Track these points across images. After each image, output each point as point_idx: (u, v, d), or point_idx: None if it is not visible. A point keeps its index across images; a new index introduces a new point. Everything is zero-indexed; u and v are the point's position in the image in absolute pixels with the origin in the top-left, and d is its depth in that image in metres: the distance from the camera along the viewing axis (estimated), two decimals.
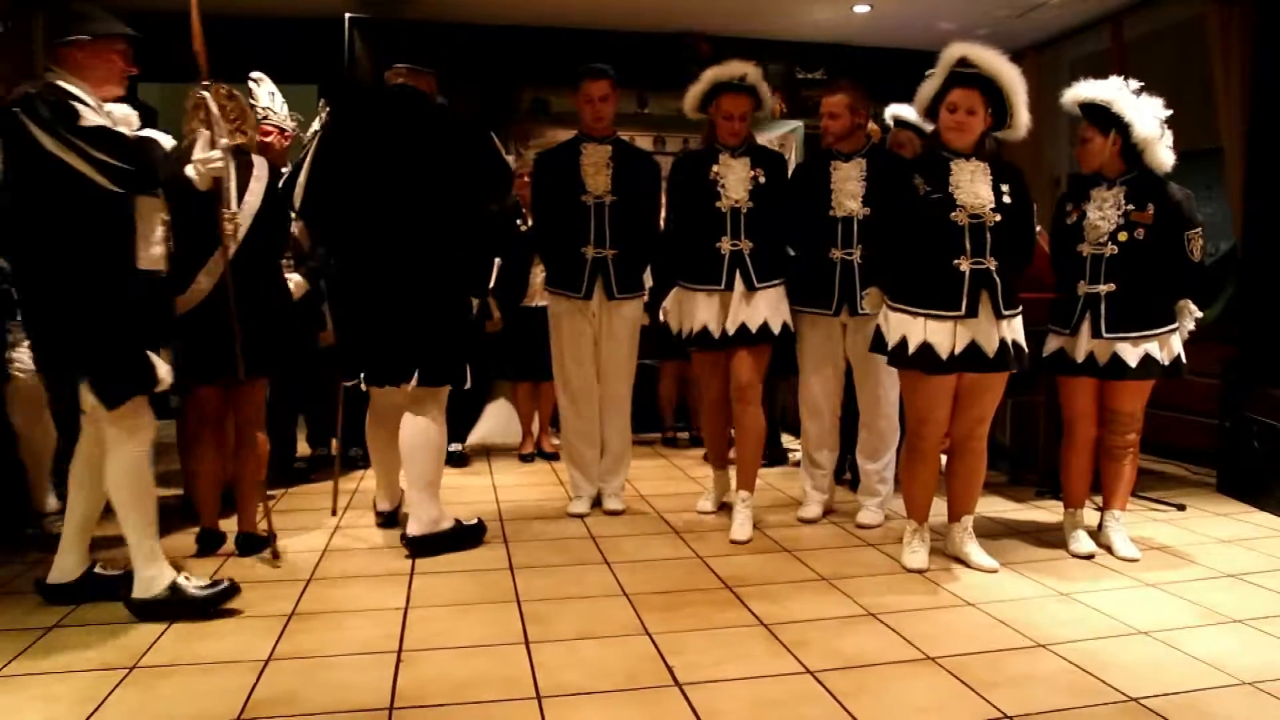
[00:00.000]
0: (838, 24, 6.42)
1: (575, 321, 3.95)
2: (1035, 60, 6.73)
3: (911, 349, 3.18)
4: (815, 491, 4.05)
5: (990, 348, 3.15)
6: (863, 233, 3.73)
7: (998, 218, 3.14)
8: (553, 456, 5.24)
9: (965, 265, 3.13)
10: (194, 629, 2.75)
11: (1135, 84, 3.37)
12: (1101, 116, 3.39)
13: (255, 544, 3.47)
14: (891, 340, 3.25)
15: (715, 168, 3.73)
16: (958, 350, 3.15)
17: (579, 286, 3.88)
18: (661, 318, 3.99)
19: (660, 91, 6.42)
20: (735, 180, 3.70)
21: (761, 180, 3.71)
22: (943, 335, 3.15)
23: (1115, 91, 3.36)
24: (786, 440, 5.38)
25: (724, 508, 4.04)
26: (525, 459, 5.30)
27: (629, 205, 3.88)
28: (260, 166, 3.48)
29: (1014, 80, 3.14)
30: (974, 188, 3.15)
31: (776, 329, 3.72)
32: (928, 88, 3.24)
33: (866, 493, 3.98)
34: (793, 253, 3.89)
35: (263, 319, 3.36)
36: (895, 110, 4.32)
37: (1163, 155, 3.35)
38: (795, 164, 5.46)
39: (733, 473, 3.93)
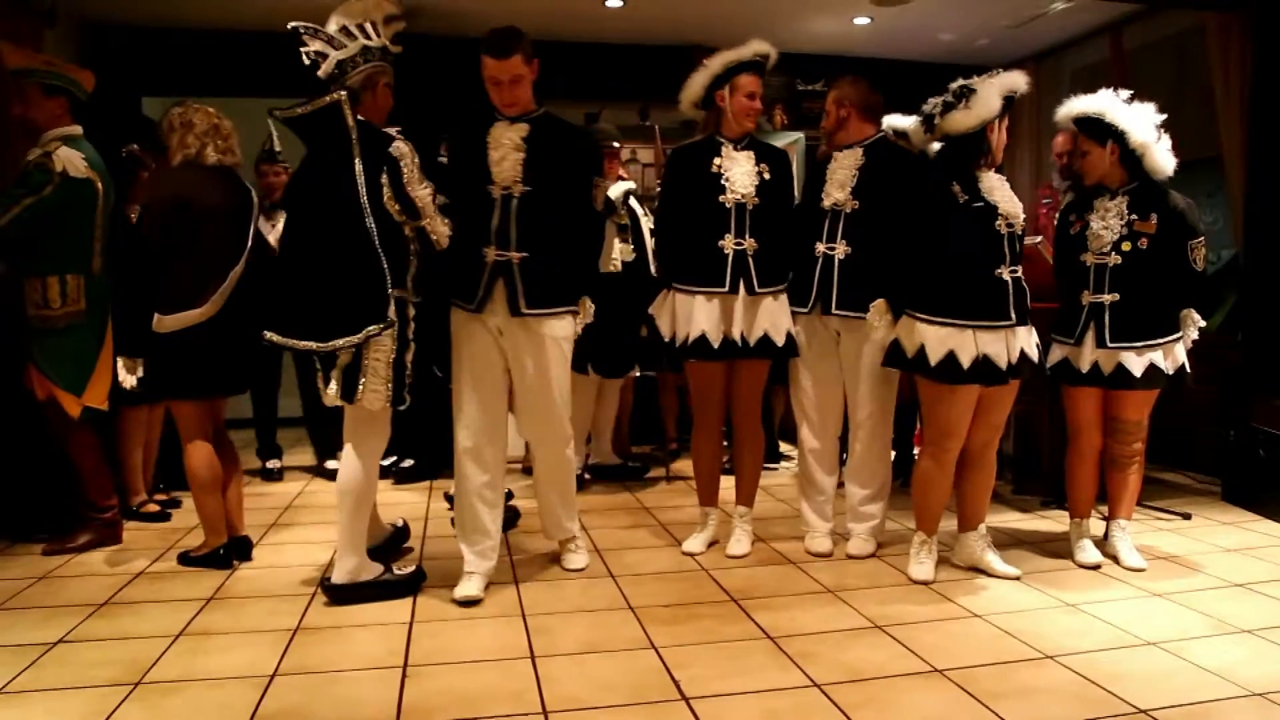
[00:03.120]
0: (838, 36, 6.43)
1: (477, 341, 3.21)
2: (1036, 71, 6.73)
3: (966, 363, 3.13)
4: (819, 520, 3.72)
5: (1015, 356, 3.22)
6: (849, 226, 3.50)
7: (1023, 227, 3.24)
8: None
9: (1006, 274, 3.17)
10: (200, 644, 2.75)
11: (1125, 94, 3.39)
12: (1096, 128, 3.40)
13: (244, 547, 3.56)
14: (934, 356, 3.15)
15: (718, 160, 3.46)
16: (1013, 359, 3.19)
17: (473, 295, 3.16)
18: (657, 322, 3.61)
19: (662, 103, 6.42)
20: (741, 174, 3.44)
21: (766, 176, 3.48)
22: (998, 346, 3.16)
23: (1106, 102, 3.38)
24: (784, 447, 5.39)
25: (713, 545, 3.74)
26: (528, 472, 5.28)
27: (546, 197, 3.18)
28: (253, 191, 3.65)
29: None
30: (1009, 196, 3.22)
31: (781, 340, 3.51)
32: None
33: (855, 518, 3.68)
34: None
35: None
36: (891, 121, 4.32)
37: (1161, 159, 3.35)
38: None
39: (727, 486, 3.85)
